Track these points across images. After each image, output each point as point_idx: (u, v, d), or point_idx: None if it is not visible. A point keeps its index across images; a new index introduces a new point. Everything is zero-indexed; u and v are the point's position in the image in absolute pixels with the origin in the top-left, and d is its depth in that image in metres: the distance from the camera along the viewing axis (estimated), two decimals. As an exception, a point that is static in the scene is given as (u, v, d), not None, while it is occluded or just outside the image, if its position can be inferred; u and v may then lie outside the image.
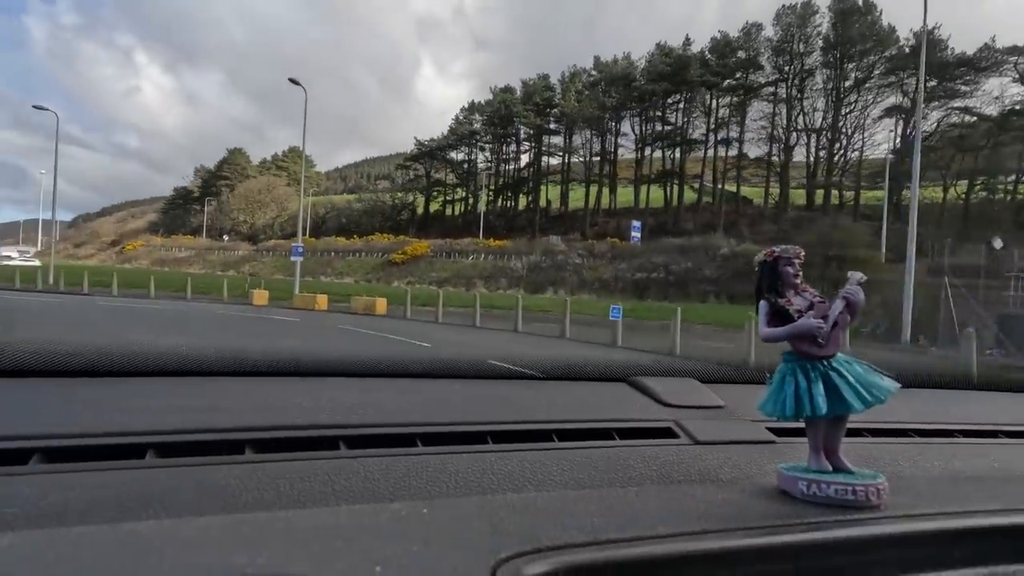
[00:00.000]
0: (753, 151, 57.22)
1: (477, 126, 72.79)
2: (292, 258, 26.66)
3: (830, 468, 0.75)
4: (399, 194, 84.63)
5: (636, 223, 43.42)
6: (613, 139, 64.47)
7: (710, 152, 59.29)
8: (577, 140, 66.68)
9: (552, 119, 67.45)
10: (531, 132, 68.61)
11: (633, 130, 62.81)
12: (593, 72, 64.94)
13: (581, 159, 67.73)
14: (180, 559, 0.50)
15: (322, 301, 24.19)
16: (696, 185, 59.54)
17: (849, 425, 0.77)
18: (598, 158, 65.47)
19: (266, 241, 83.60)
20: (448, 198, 79.54)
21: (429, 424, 0.94)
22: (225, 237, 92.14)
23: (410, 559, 0.52)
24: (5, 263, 50.07)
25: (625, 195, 65.90)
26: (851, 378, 0.74)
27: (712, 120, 57.32)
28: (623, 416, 1.08)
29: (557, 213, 67.94)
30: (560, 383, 1.32)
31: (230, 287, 26.71)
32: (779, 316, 0.77)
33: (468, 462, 0.84)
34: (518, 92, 69.07)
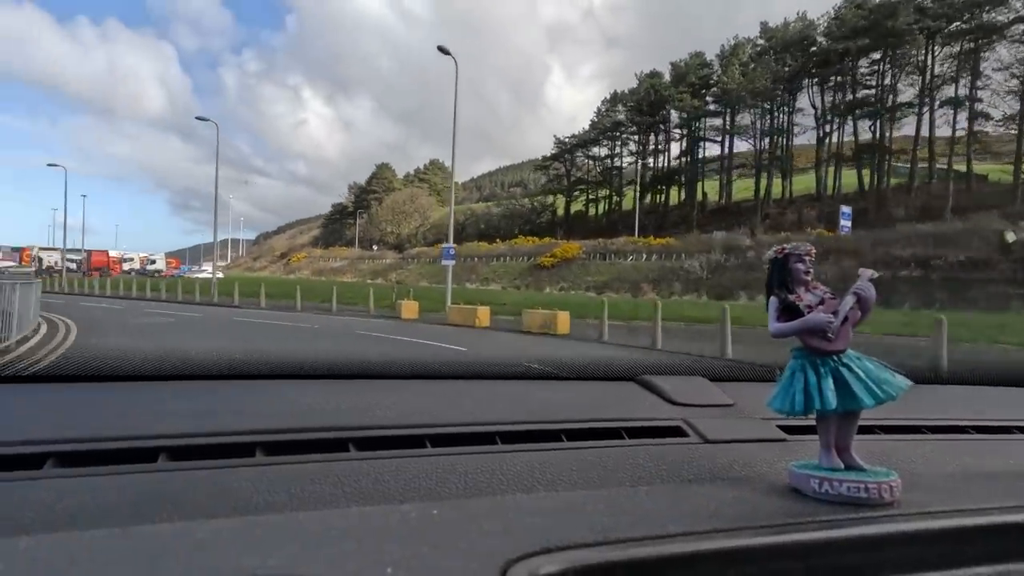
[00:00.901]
0: (992, 113, 44.61)
1: (621, 116, 67.11)
2: (443, 262, 22.82)
3: (842, 466, 0.74)
4: (538, 197, 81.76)
5: (845, 209, 34.55)
6: (786, 116, 55.45)
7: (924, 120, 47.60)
8: (741, 121, 58.45)
9: (711, 99, 59.80)
10: (684, 116, 61.46)
11: (813, 103, 53.34)
12: (760, 40, 56.35)
13: (747, 141, 59.43)
14: (193, 561, 0.51)
15: (483, 316, 18.35)
16: (903, 162, 48.65)
17: (861, 422, 0.76)
18: (768, 140, 56.78)
19: (411, 249, 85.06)
20: (592, 196, 74.53)
21: (438, 425, 0.94)
22: (374, 247, 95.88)
23: (421, 561, 0.53)
24: (195, 275, 59.15)
25: (799, 182, 56.57)
26: (862, 374, 0.74)
27: (927, 79, 46.08)
28: (632, 415, 1.07)
29: (716, 206, 60.12)
30: (569, 383, 1.32)
31: (377, 297, 24.22)
32: (789, 312, 0.77)
33: (478, 463, 0.84)
34: (666, 77, 62.48)
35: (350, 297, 27.44)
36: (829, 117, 52.36)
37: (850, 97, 50.77)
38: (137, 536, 0.55)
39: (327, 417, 0.94)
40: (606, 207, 72.07)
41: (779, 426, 1.04)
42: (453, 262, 22.82)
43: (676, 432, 1.01)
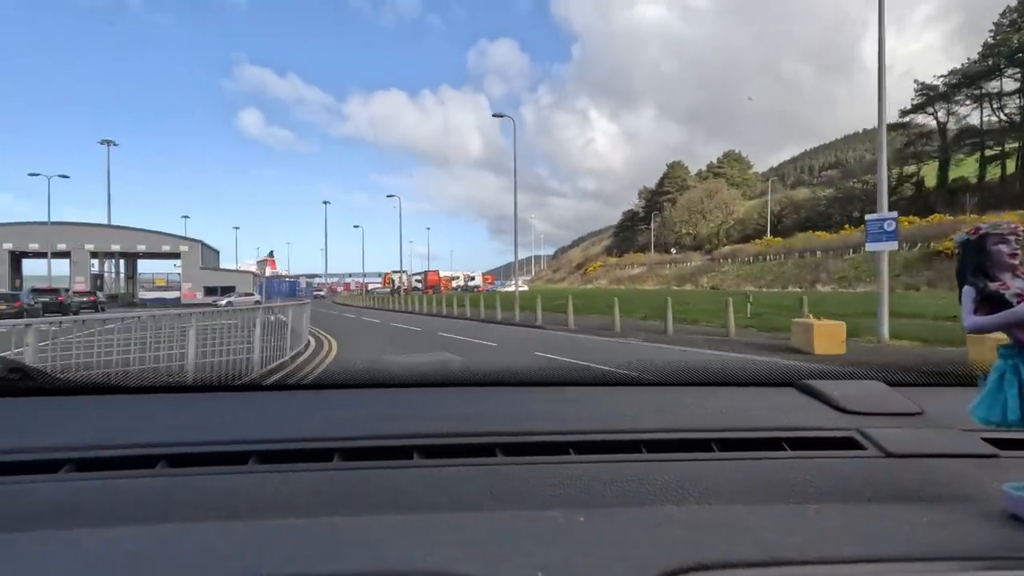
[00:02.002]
0: None
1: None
2: (873, 246, 12.04)
3: None
4: (891, 168, 62.54)
5: None
6: None
7: None
8: None
9: None
10: None
11: None
12: None
13: None
14: (362, 555, 0.56)
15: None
16: None
17: None
18: None
19: (720, 248, 74.35)
20: (995, 151, 52.02)
21: (581, 432, 0.93)
22: (672, 250, 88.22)
23: (570, 566, 0.52)
24: (503, 289, 62.91)
25: None
26: None
27: None
28: (793, 424, 0.99)
29: None
30: (718, 389, 1.25)
31: (711, 311, 16.21)
32: (990, 303, 0.67)
33: (623, 471, 0.82)
34: None
35: (686, 313, 20.00)
36: None
37: None
38: (315, 527, 0.62)
39: (476, 423, 0.96)
40: (1019, 164, 50.25)
41: (986, 439, 0.91)
42: (894, 244, 11.95)
43: (849, 444, 0.92)
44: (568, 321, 17.54)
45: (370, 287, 76.18)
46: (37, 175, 41.45)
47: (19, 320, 6.02)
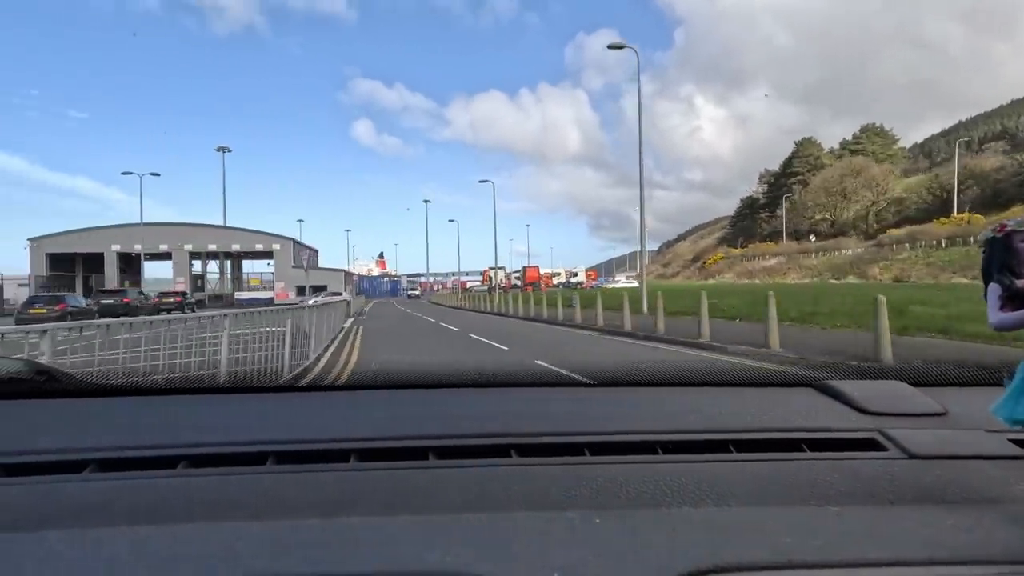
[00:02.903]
0: None
1: None
2: None
3: None
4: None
5: None
6: None
7: None
8: None
9: None
10: None
11: None
12: None
13: None
14: (374, 555, 0.56)
15: None
16: None
17: None
18: None
19: (873, 231, 61.90)
20: None
21: (597, 433, 0.93)
22: (812, 237, 76.26)
23: (587, 568, 0.52)
24: (612, 285, 60.17)
25: None
26: None
27: None
28: (812, 424, 0.98)
29: None
30: (733, 389, 1.24)
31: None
32: (1016, 300, 0.65)
33: (638, 472, 0.81)
34: None
35: (926, 320, 12.25)
36: None
37: None
38: (332, 527, 0.63)
39: (491, 424, 0.97)
40: None
41: (1013, 440, 0.88)
42: None
43: (870, 445, 0.90)
44: (702, 333, 10.53)
45: (468, 285, 72.00)
46: (130, 173, 40.36)
47: (34, 326, 4.84)
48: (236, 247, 54.86)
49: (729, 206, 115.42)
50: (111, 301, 28.60)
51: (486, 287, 63.40)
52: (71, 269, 51.49)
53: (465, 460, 0.85)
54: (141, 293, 34.74)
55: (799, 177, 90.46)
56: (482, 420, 1.00)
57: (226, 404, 1.17)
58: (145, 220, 48.87)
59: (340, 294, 46.42)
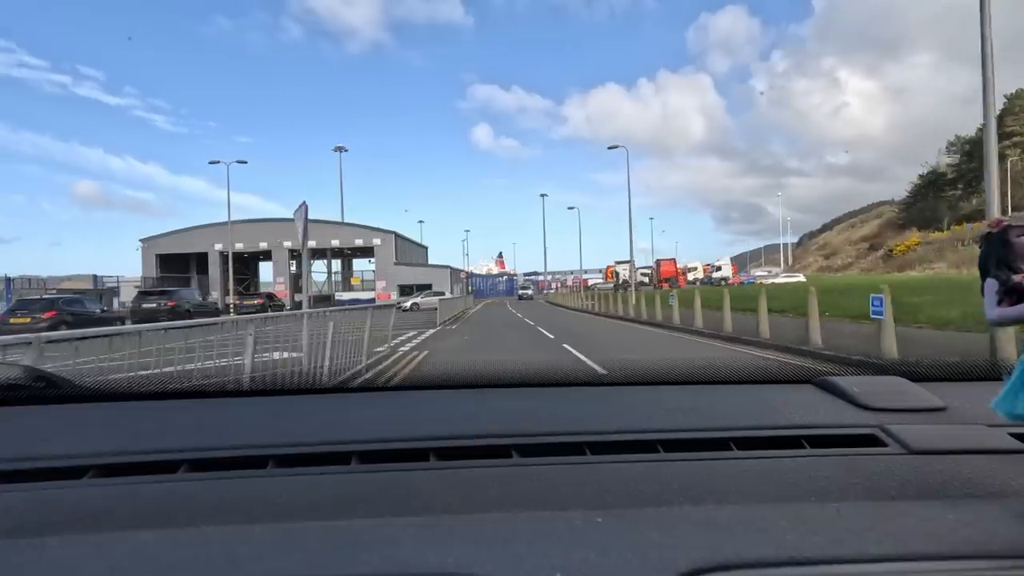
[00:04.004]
0: None
1: None
2: None
3: None
4: None
5: None
6: None
7: None
8: None
9: None
10: None
11: None
12: None
13: None
14: (384, 557, 0.57)
15: None
16: None
17: None
18: None
19: None
20: None
21: (598, 432, 0.93)
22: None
23: (589, 568, 0.52)
24: (772, 280, 51.18)
25: None
26: None
27: None
28: (812, 421, 0.98)
29: None
30: (735, 387, 1.24)
31: None
32: (1013, 295, 0.65)
33: (640, 471, 0.82)
34: None
35: None
36: None
37: None
38: (334, 530, 0.64)
39: (491, 425, 0.97)
40: None
41: (1013, 434, 0.88)
42: None
43: (870, 441, 0.90)
44: None
45: (591, 283, 62.99)
46: (217, 162, 37.59)
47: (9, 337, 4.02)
48: (335, 243, 51.32)
49: (879, 191, 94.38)
50: (153, 305, 24.44)
51: (611, 285, 54.71)
52: (184, 269, 51.13)
53: (466, 461, 0.85)
54: (199, 292, 30.87)
55: (1015, 139, 70.01)
56: (483, 421, 1.01)
57: (226, 408, 1.17)
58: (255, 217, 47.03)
59: (442, 293, 40.44)
